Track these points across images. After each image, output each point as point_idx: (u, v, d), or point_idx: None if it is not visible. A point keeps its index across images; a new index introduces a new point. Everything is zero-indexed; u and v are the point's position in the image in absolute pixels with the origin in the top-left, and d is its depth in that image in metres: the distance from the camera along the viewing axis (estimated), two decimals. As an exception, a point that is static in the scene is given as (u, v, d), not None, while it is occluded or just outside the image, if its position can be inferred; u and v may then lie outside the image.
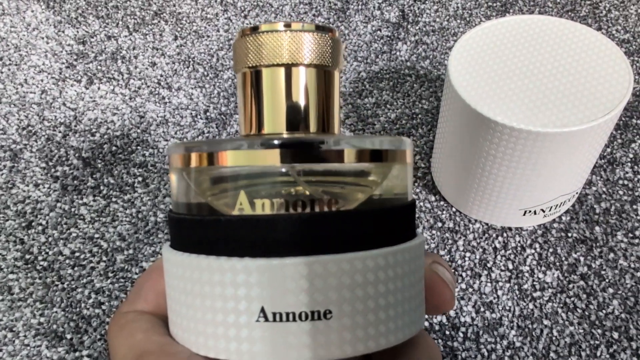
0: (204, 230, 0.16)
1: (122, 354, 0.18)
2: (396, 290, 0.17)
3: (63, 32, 0.61)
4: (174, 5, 0.63)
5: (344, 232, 0.16)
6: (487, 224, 0.45)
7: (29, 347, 0.40)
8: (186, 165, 0.17)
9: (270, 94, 0.18)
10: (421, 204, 0.46)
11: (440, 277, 0.20)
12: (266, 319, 0.15)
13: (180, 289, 0.17)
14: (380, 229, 0.17)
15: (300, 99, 0.18)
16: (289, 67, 0.18)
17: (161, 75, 0.56)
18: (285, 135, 0.18)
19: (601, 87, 0.38)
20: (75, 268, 0.44)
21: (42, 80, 0.56)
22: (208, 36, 0.60)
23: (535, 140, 0.37)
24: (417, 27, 0.59)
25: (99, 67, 0.57)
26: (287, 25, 0.18)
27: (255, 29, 0.18)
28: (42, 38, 0.60)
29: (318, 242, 0.16)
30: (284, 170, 0.16)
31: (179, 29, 0.61)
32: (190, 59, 0.58)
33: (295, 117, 0.18)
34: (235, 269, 0.15)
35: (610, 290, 0.41)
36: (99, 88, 0.56)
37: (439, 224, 0.45)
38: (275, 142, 0.16)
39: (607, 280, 0.42)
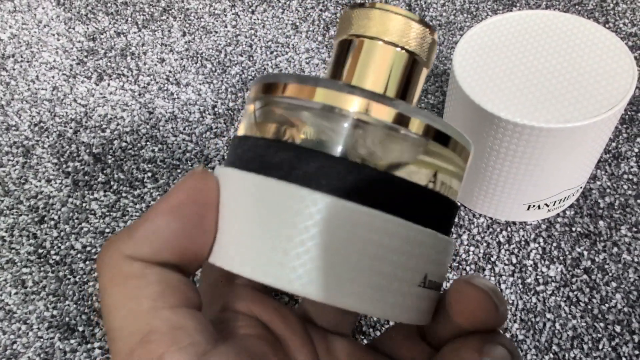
0: (293, 157, 0.17)
1: (121, 324, 0.16)
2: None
3: (73, 28, 0.62)
4: (183, 1, 0.64)
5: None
6: (491, 219, 0.45)
7: (42, 339, 0.41)
8: (271, 93, 0.18)
9: (367, 62, 0.20)
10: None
11: (472, 283, 0.19)
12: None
13: (248, 211, 0.17)
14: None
15: (388, 77, 0.20)
16: (393, 45, 0.19)
17: (170, 71, 0.57)
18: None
19: (605, 82, 0.39)
20: (87, 262, 0.45)
21: (53, 77, 0.57)
22: (216, 32, 0.60)
23: (538, 136, 0.37)
24: (423, 22, 0.60)
25: (108, 64, 0.58)
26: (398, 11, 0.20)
27: (372, 5, 0.20)
28: (53, 35, 0.61)
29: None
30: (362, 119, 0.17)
31: (187, 25, 0.61)
32: (198, 55, 0.58)
33: (379, 89, 0.20)
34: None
35: (614, 284, 0.42)
36: (108, 84, 0.56)
37: (444, 219, 0.46)
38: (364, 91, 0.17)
39: (610, 274, 0.42)
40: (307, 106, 0.17)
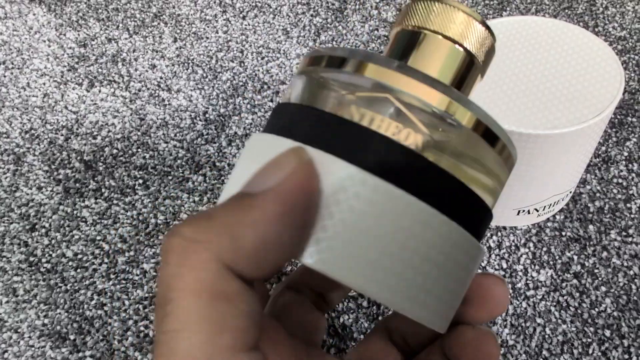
0: (352, 135, 0.16)
1: (187, 348, 0.13)
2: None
3: (64, 35, 0.62)
4: (174, 7, 0.64)
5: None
6: (481, 224, 0.46)
7: (33, 348, 0.41)
8: (326, 67, 0.18)
9: (424, 54, 0.19)
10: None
11: (492, 274, 0.19)
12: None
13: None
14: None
15: (443, 71, 0.19)
16: (452, 41, 0.19)
17: (161, 78, 0.57)
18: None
19: (593, 87, 0.39)
20: (78, 270, 0.45)
21: (44, 84, 0.57)
22: (207, 37, 0.60)
23: (526, 142, 0.37)
24: (414, 26, 0.60)
25: (99, 70, 0.58)
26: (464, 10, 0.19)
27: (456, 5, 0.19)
28: (44, 41, 0.61)
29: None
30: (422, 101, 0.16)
31: (178, 31, 0.61)
32: (189, 61, 0.58)
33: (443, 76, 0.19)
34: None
35: (603, 288, 0.42)
36: (99, 91, 0.56)
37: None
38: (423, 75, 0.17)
39: (600, 278, 0.42)
40: (358, 83, 0.17)
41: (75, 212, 0.48)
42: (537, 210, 0.44)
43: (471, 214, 0.17)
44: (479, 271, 0.20)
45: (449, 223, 0.16)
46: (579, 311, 0.41)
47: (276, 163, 0.15)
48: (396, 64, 0.17)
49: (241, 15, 0.62)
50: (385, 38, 0.59)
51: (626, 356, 0.39)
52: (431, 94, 0.16)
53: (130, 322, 0.42)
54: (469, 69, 0.19)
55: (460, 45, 0.19)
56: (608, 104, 0.38)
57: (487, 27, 0.19)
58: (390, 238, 0.15)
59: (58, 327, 0.42)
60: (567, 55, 0.41)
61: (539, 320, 0.41)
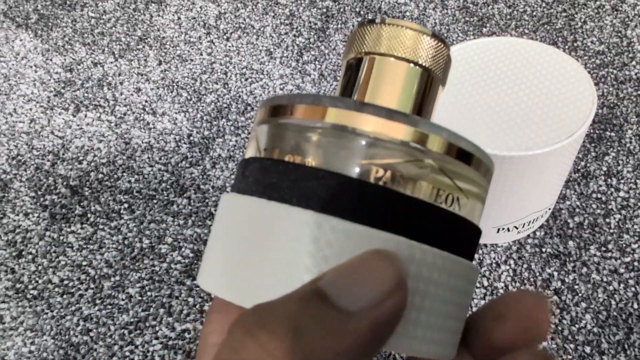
0: (299, 178, 0.16)
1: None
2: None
3: (51, 60, 0.62)
4: (158, 30, 0.64)
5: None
6: (463, 242, 0.46)
7: (19, 377, 0.41)
8: (277, 116, 0.17)
9: (379, 80, 0.19)
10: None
11: (531, 292, 0.17)
12: None
13: (242, 235, 0.16)
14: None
15: (402, 94, 0.19)
16: (406, 60, 0.18)
17: (146, 101, 0.58)
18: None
19: (566, 108, 0.39)
20: (64, 296, 0.45)
21: (30, 109, 0.58)
22: (191, 60, 0.61)
23: (501, 164, 0.38)
24: (395, 45, 0.61)
25: (85, 95, 0.59)
26: (409, 26, 0.18)
27: (382, 21, 0.18)
28: (31, 67, 0.62)
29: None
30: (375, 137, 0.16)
31: (163, 54, 0.62)
32: (174, 84, 0.59)
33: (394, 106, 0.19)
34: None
35: (583, 304, 0.42)
36: (85, 115, 0.57)
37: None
38: (375, 108, 0.16)
39: (580, 294, 0.43)
40: (317, 127, 0.16)
41: (61, 237, 0.49)
42: (517, 228, 0.44)
43: (460, 237, 0.17)
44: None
45: (440, 254, 0.16)
46: (560, 327, 0.41)
47: (369, 271, 0.13)
48: (352, 102, 0.16)
49: (225, 37, 0.63)
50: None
51: (605, 372, 0.39)
52: (394, 128, 0.16)
53: (116, 347, 0.42)
54: (429, 84, 0.19)
55: (414, 62, 0.19)
56: (581, 124, 0.38)
57: (439, 38, 0.19)
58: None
59: (44, 354, 0.42)
60: (541, 75, 0.41)
61: (519, 338, 0.41)
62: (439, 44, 0.19)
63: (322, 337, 0.12)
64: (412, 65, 0.18)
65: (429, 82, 0.19)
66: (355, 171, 0.15)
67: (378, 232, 0.15)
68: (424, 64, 0.18)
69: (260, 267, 0.15)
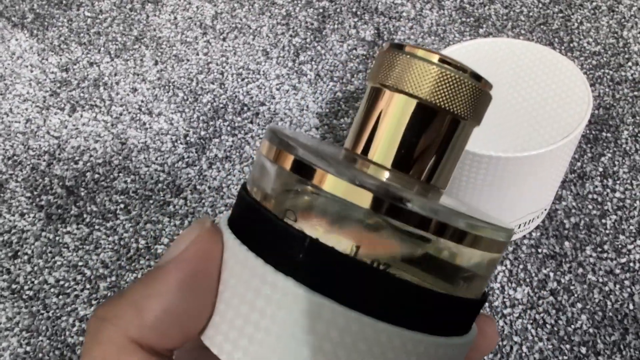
0: (283, 241, 0.14)
1: None
2: None
3: (46, 59, 0.62)
4: (155, 30, 0.64)
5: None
6: (459, 242, 0.46)
7: (14, 378, 0.41)
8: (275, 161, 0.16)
9: (393, 122, 0.16)
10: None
11: (482, 314, 0.18)
12: None
13: (239, 292, 0.15)
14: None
15: (421, 141, 0.16)
16: (423, 104, 0.16)
17: (142, 101, 0.58)
18: (386, 176, 0.17)
19: (561, 109, 0.39)
20: (60, 296, 0.45)
21: (26, 109, 0.58)
22: (188, 60, 0.61)
23: (496, 165, 0.38)
24: (392, 45, 0.61)
25: (81, 95, 0.59)
26: (442, 61, 0.16)
27: (410, 50, 0.16)
28: (27, 66, 0.61)
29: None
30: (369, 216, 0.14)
31: (159, 54, 0.62)
32: (170, 84, 0.59)
33: (407, 156, 0.16)
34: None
35: (579, 305, 0.43)
36: (81, 115, 0.57)
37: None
38: (371, 186, 0.14)
39: (575, 295, 0.43)
40: (316, 193, 0.15)
41: (57, 238, 0.49)
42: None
43: (456, 316, 0.15)
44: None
45: (435, 341, 0.15)
46: (555, 328, 0.42)
47: (182, 235, 0.15)
48: (354, 171, 0.15)
49: (221, 37, 0.63)
50: (364, 57, 0.60)
51: (601, 373, 0.39)
52: (396, 212, 0.14)
53: (112, 348, 0.42)
54: (451, 129, 0.17)
55: (445, 110, 0.16)
56: (576, 125, 0.38)
57: (478, 77, 0.16)
58: None
59: (40, 355, 0.42)
60: (536, 77, 0.41)
61: (515, 339, 0.41)
62: (478, 86, 0.16)
63: (150, 297, 0.14)
64: (442, 113, 0.16)
65: (452, 126, 0.16)
66: (353, 252, 0.14)
67: (321, 300, 0.14)
68: (445, 107, 0.16)
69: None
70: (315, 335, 0.14)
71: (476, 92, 0.16)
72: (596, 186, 0.49)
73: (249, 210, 0.16)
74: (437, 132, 0.16)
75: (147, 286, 0.14)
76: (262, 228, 0.15)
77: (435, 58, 0.16)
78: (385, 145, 0.17)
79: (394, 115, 0.16)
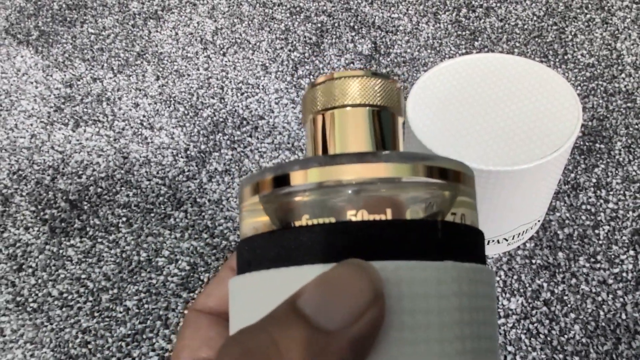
0: (283, 241, 0.16)
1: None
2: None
3: (51, 76, 0.63)
4: (156, 46, 0.66)
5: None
6: (454, 253, 0.47)
7: (19, 389, 0.42)
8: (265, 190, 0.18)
9: (343, 130, 0.20)
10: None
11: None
12: None
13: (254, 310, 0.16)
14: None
15: (368, 136, 0.20)
16: (359, 107, 0.20)
17: (144, 116, 0.59)
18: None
19: (551, 124, 0.40)
20: (64, 309, 0.46)
21: (31, 125, 0.59)
22: (188, 75, 0.62)
23: (487, 178, 0.39)
24: (388, 59, 0.62)
25: (85, 110, 0.60)
26: (340, 77, 0.20)
27: (328, 78, 0.20)
28: (32, 83, 0.63)
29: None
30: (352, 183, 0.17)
31: (160, 69, 0.63)
32: (171, 99, 0.60)
33: (357, 141, 0.20)
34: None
35: (572, 315, 0.43)
36: (85, 130, 0.58)
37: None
38: (346, 157, 0.17)
39: (569, 305, 0.44)
40: (302, 190, 0.17)
41: (61, 251, 0.50)
42: (507, 240, 0.45)
43: (469, 245, 0.17)
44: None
45: (459, 266, 0.16)
46: (549, 338, 0.42)
47: (344, 284, 0.13)
48: (325, 157, 0.17)
49: (221, 52, 0.64)
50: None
51: (593, 382, 0.40)
52: (371, 169, 0.17)
53: (114, 359, 0.43)
54: (389, 120, 0.20)
55: (370, 105, 0.20)
56: (566, 139, 0.39)
57: (383, 76, 0.20)
58: (407, 311, 0.15)
59: (44, 367, 0.43)
60: (527, 91, 0.42)
61: (509, 349, 0.42)
62: (385, 81, 0.20)
63: (303, 358, 0.12)
64: (368, 108, 0.20)
65: (389, 118, 0.20)
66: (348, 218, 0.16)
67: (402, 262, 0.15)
68: (378, 104, 0.20)
69: None
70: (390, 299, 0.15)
71: (367, 83, 0.20)
72: (590, 197, 0.49)
73: (262, 239, 0.17)
74: (369, 120, 0.20)
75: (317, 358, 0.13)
76: (290, 241, 0.16)
77: (360, 73, 0.20)
78: (339, 142, 0.20)
79: (339, 123, 0.20)
